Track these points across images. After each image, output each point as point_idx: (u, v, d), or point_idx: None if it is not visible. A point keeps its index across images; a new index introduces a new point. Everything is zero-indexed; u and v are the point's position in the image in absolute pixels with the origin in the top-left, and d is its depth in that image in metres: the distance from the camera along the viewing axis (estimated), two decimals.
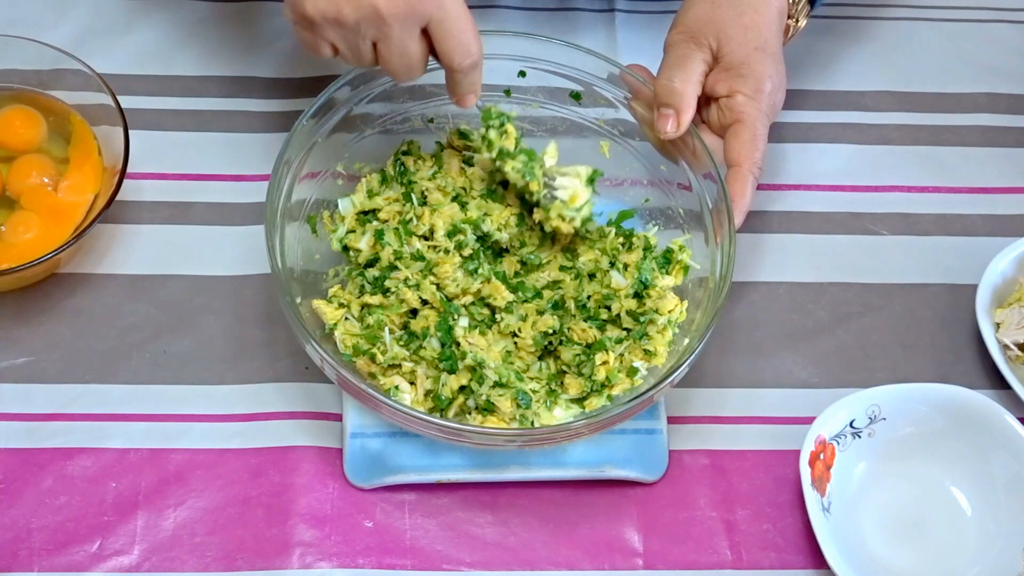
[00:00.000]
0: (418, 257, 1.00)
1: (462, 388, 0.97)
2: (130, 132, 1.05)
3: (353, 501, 1.00)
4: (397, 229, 1.01)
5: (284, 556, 0.98)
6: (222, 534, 0.98)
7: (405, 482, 1.00)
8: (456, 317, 0.98)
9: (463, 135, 1.08)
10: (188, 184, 1.13)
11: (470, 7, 1.24)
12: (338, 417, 1.02)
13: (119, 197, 1.04)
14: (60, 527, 0.98)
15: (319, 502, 1.00)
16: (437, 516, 1.00)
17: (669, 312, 0.99)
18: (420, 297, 0.99)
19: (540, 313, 1.00)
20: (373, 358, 0.97)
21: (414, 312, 1.00)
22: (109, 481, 1.00)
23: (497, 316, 1.00)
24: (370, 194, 1.04)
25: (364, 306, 1.00)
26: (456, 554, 0.99)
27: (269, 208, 0.97)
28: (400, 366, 0.97)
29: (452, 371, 0.96)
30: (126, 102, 1.07)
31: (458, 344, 0.97)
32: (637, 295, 1.00)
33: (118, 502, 0.99)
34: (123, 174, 1.04)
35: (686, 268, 1.02)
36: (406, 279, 0.99)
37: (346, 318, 0.99)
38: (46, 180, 1.06)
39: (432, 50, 0.96)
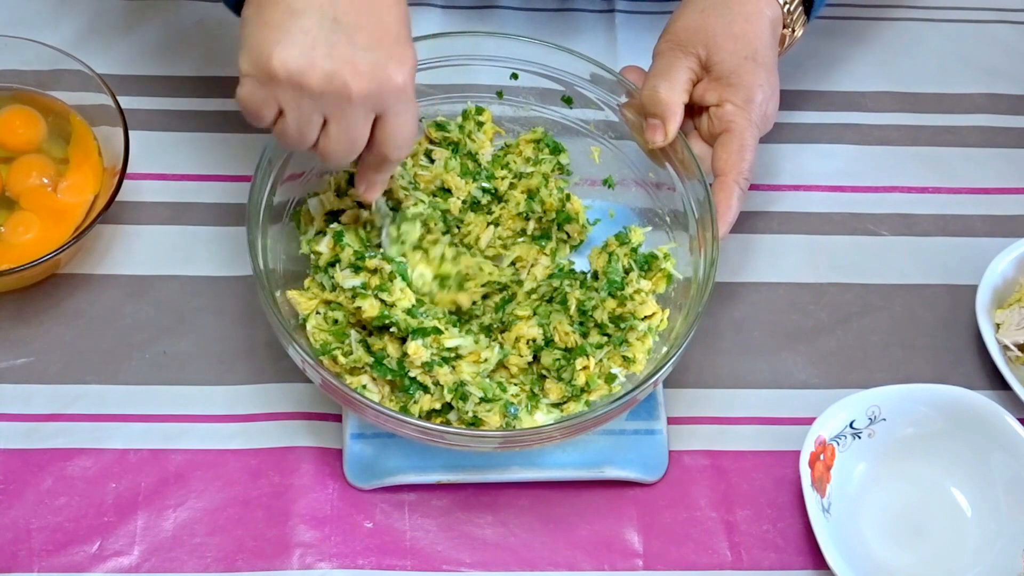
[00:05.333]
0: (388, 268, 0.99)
1: (444, 407, 0.96)
2: (130, 132, 1.05)
3: (353, 502, 1.00)
4: (357, 231, 1.00)
5: (284, 557, 0.98)
6: (222, 535, 0.98)
7: (405, 483, 1.00)
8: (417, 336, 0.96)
9: (440, 126, 1.07)
10: (188, 184, 1.13)
11: (470, 8, 1.25)
12: (338, 418, 1.02)
13: (119, 198, 1.04)
14: (60, 528, 0.98)
15: (319, 503, 1.00)
16: (437, 516, 1.00)
17: (649, 319, 0.99)
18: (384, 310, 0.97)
19: (534, 311, 1.00)
20: (335, 359, 0.96)
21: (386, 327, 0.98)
22: (109, 482, 1.00)
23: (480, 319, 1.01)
24: (339, 192, 1.03)
25: (329, 302, 0.99)
26: (456, 554, 0.99)
27: (251, 209, 0.97)
28: (364, 370, 0.97)
29: (406, 390, 0.96)
30: (126, 102, 1.07)
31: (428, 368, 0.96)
32: (612, 295, 1.00)
33: (118, 503, 0.99)
34: (123, 174, 1.04)
35: (669, 276, 1.02)
36: (365, 285, 0.97)
37: (318, 312, 0.99)
38: (46, 180, 1.06)
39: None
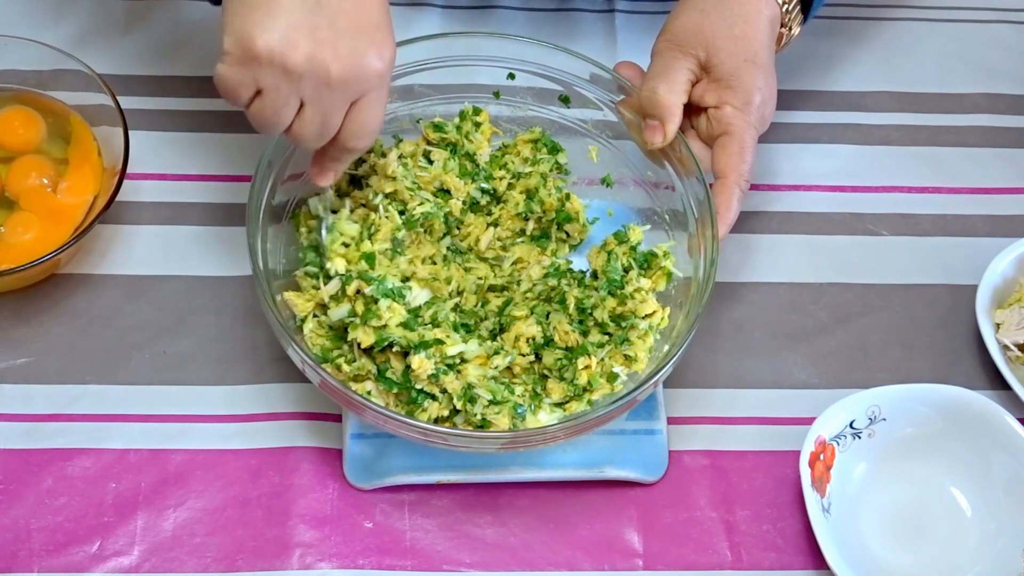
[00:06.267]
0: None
1: (452, 412, 0.96)
2: (130, 132, 1.05)
3: (353, 502, 1.00)
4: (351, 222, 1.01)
5: (284, 557, 0.98)
6: (222, 535, 0.98)
7: (405, 483, 1.00)
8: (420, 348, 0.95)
9: (438, 127, 1.07)
10: (188, 184, 1.13)
11: (469, 8, 1.25)
12: (338, 418, 1.02)
13: (119, 198, 1.04)
14: (60, 528, 0.98)
15: (319, 503, 1.00)
16: (437, 516, 1.00)
17: (650, 318, 0.99)
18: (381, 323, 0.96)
19: (532, 311, 1.00)
20: (339, 367, 0.96)
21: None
22: (109, 482, 1.00)
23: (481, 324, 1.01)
24: (339, 192, 1.03)
25: (324, 306, 0.98)
26: (456, 555, 0.99)
27: (251, 209, 0.97)
28: (368, 377, 0.97)
29: (413, 401, 0.95)
30: (126, 102, 1.07)
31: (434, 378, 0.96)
32: (612, 294, 1.00)
33: (118, 503, 0.99)
34: (123, 175, 1.04)
35: (669, 274, 1.02)
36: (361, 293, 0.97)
37: (314, 315, 0.99)
38: (45, 181, 1.06)
39: None
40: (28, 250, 1.02)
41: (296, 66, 0.86)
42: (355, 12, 0.87)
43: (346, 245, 0.99)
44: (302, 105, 0.89)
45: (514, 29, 1.22)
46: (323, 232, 1.00)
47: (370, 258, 0.98)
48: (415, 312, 0.98)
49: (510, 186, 1.07)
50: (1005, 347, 1.07)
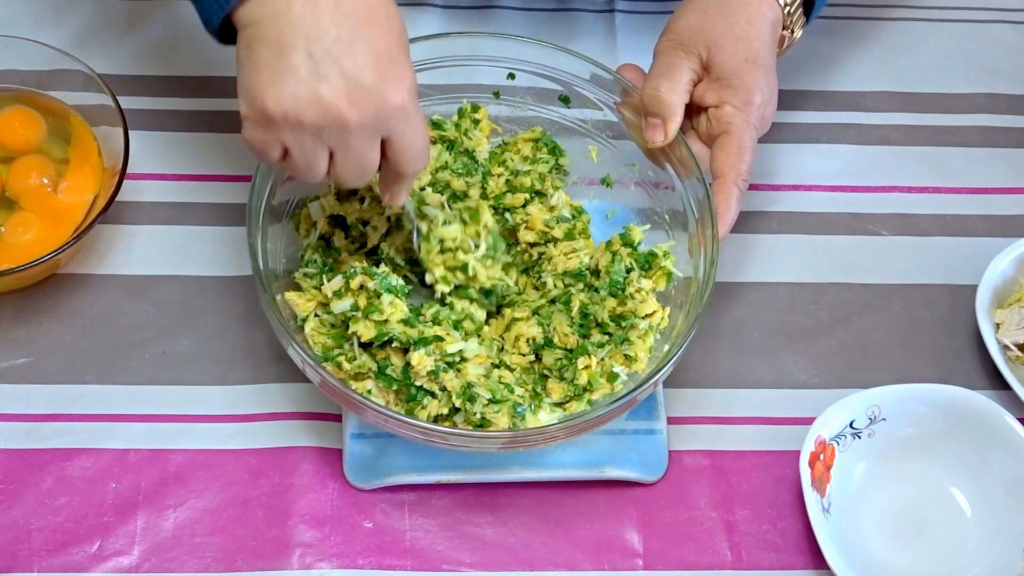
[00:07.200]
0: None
1: (452, 411, 0.96)
2: (130, 132, 1.05)
3: (353, 502, 1.00)
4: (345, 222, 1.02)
5: (284, 557, 0.98)
6: (222, 535, 0.98)
7: (405, 483, 1.00)
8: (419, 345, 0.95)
9: (436, 125, 1.07)
10: (188, 184, 1.13)
11: (469, 8, 1.25)
12: (338, 417, 1.03)
13: (119, 198, 1.04)
14: (60, 528, 0.98)
15: (319, 503, 1.00)
16: (437, 516, 1.00)
17: (650, 318, 0.99)
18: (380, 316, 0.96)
19: (535, 312, 1.00)
20: (340, 365, 0.96)
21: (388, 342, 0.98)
22: (109, 482, 1.00)
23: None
24: (339, 196, 1.03)
25: (325, 304, 0.98)
26: (456, 554, 0.99)
27: (251, 209, 0.97)
28: (369, 375, 0.97)
29: (413, 398, 0.96)
30: (126, 102, 1.07)
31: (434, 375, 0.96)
32: (613, 295, 1.00)
33: (118, 503, 0.99)
34: (123, 175, 1.04)
35: (669, 274, 1.02)
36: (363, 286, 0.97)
37: (316, 315, 0.99)
38: (46, 181, 1.06)
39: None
40: (28, 250, 1.02)
41: (312, 122, 0.85)
42: (365, 50, 0.85)
43: (443, 251, 0.99)
44: (333, 153, 0.88)
45: (514, 29, 1.22)
46: (415, 238, 0.99)
47: (465, 268, 0.99)
48: (416, 311, 0.98)
49: (508, 183, 1.07)
50: (1005, 347, 1.07)
